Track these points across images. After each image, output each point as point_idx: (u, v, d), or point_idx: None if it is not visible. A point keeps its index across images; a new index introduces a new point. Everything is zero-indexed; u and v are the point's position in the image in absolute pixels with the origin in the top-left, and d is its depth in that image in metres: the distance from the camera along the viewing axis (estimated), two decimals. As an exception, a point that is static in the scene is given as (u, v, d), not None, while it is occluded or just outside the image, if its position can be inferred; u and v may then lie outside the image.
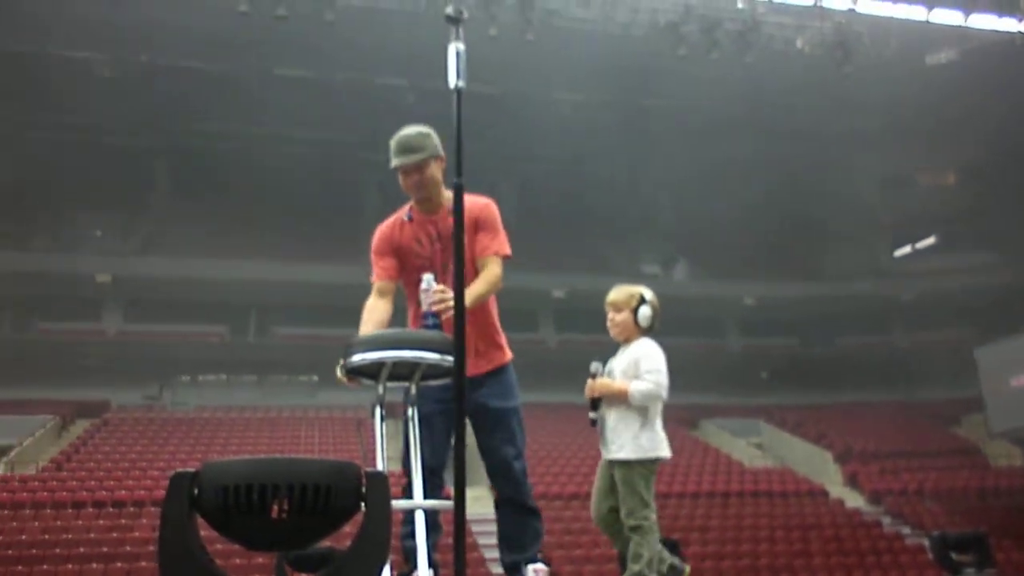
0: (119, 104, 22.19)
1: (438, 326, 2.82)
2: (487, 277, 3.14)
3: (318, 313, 22.05)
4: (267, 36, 18.85)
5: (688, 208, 26.96)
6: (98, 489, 15.01)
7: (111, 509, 14.19)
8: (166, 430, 19.50)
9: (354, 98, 21.88)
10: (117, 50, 21.17)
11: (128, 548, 12.38)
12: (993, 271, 25.00)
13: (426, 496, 3.04)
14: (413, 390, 2.73)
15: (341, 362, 2.69)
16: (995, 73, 20.07)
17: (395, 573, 3.00)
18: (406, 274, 3.24)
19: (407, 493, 2.82)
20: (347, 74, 21.92)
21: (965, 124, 22.95)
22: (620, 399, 3.58)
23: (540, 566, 3.10)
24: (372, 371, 2.68)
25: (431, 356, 2.59)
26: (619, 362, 3.69)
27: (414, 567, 3.03)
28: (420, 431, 3.06)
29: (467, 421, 2.79)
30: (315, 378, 22.93)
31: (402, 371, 2.67)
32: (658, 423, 3.65)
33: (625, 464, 3.54)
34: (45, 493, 14.67)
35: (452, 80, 2.41)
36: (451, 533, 2.44)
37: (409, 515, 3.03)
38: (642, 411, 3.59)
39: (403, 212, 3.28)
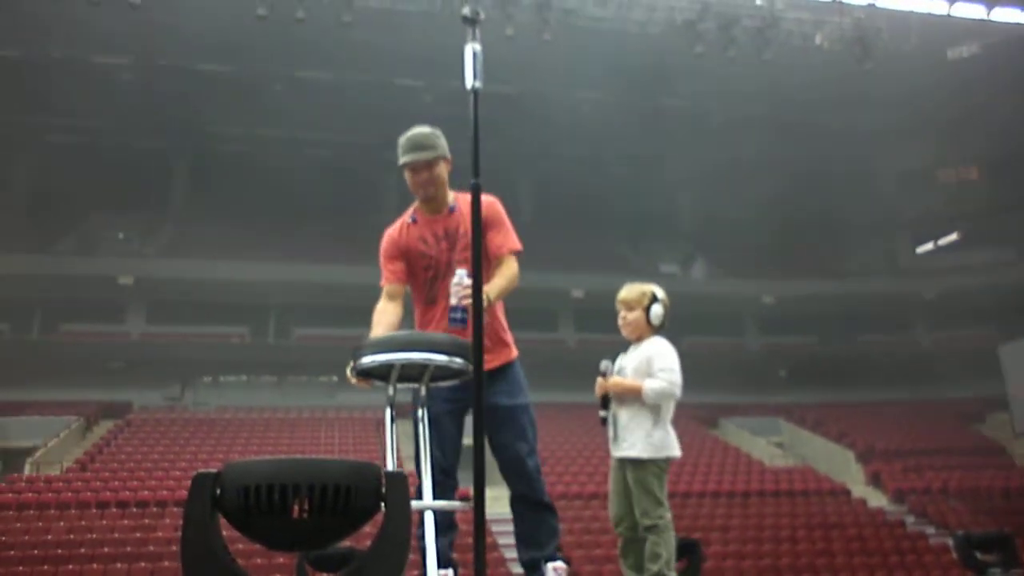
0: (140, 108, 22.44)
1: (465, 320, 2.86)
2: (507, 273, 3.18)
3: (337, 314, 22.14)
4: (286, 39, 18.98)
5: (706, 206, 26.84)
6: (122, 489, 15.17)
7: (135, 509, 14.33)
8: (188, 430, 19.67)
9: (372, 99, 21.98)
10: (138, 55, 21.42)
11: (151, 548, 12.50)
12: (1017, 268, 24.68)
13: (440, 497, 3.05)
14: (423, 391, 2.77)
15: (351, 364, 2.72)
16: (1018, 66, 19.82)
17: (415, 574, 3.01)
18: (413, 274, 3.27)
19: (419, 494, 2.83)
20: (365, 76, 22.02)
21: (988, 118, 22.66)
22: (633, 397, 3.57)
23: (560, 564, 3.10)
24: (382, 373, 2.71)
25: (440, 358, 2.62)
26: (631, 360, 3.67)
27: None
28: (430, 432, 3.07)
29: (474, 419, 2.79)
30: (335, 379, 23.03)
31: (412, 373, 2.70)
32: (669, 422, 3.63)
33: (638, 463, 3.53)
34: (70, 493, 14.85)
35: (469, 80, 2.42)
36: (470, 533, 2.45)
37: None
38: (655, 409, 3.58)
39: (407, 215, 3.30)
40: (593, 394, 3.73)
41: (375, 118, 21.59)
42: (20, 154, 24.47)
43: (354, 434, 19.48)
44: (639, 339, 3.70)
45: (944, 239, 28.22)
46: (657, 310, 3.66)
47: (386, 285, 3.28)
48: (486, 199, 3.25)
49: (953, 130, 24.11)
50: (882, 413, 23.62)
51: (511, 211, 3.37)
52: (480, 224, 2.53)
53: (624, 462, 3.59)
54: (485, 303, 2.91)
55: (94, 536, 12.96)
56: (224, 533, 1.93)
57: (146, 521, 13.71)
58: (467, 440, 3.08)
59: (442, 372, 2.69)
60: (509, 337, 3.35)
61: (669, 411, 3.64)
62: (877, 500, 18.24)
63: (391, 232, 3.30)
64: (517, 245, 3.27)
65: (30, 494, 14.80)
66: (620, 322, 3.73)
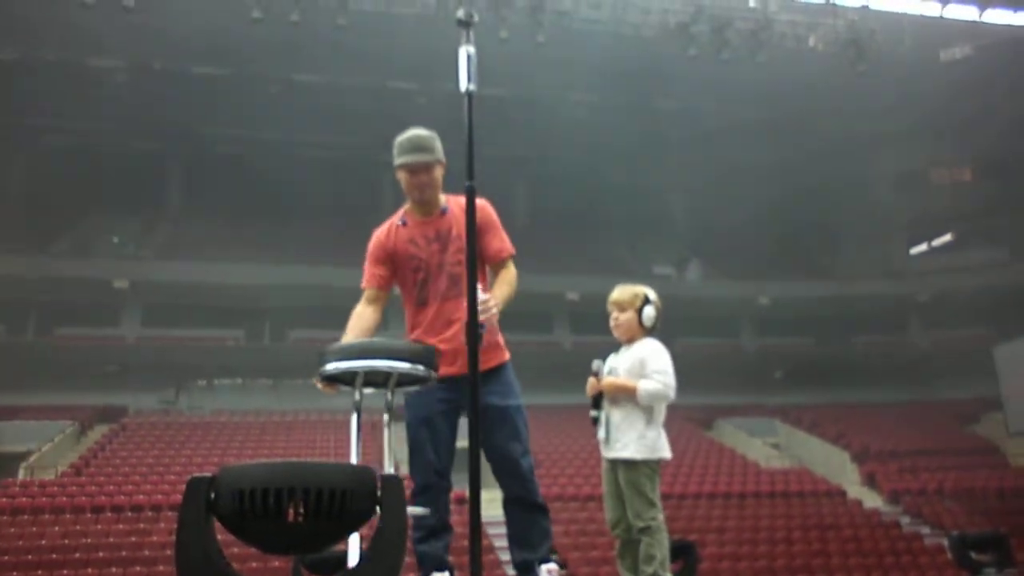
0: (135, 111, 22.41)
1: (481, 336, 2.89)
2: (509, 280, 3.20)
3: (333, 317, 21.87)
4: (280, 42, 18.97)
5: (701, 208, 26.89)
6: (117, 494, 15.13)
7: (129, 513, 14.29)
8: (183, 434, 19.63)
9: (366, 102, 21.97)
10: (132, 58, 21.38)
11: (147, 552, 12.48)
12: (1011, 268, 24.75)
13: (435, 499, 3.05)
14: (389, 396, 2.80)
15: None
16: (1011, 68, 19.89)
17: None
18: (401, 276, 3.26)
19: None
20: (359, 78, 22.02)
21: (981, 120, 22.74)
22: (627, 397, 3.57)
23: (553, 566, 3.10)
24: (348, 379, 2.75)
25: (402, 365, 2.66)
26: (623, 361, 3.68)
27: (427, 572, 3.03)
28: (423, 433, 3.07)
29: (470, 421, 2.81)
30: (330, 382, 22.98)
31: (377, 379, 2.75)
32: (661, 424, 3.64)
33: (630, 464, 3.53)
34: (65, 498, 14.81)
35: (464, 83, 2.42)
36: (466, 535, 2.45)
37: (420, 520, 3.03)
38: (647, 410, 3.58)
39: (396, 217, 3.29)
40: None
41: (370, 120, 21.58)
42: (15, 156, 24.39)
43: (356, 436, 19.43)
44: (630, 341, 3.70)
45: (938, 240, 28.30)
46: (649, 312, 3.66)
47: (367, 288, 3.27)
48: (478, 202, 3.25)
49: (947, 131, 24.18)
50: (878, 414, 23.68)
51: (506, 214, 3.37)
52: (475, 227, 2.54)
53: (616, 463, 3.59)
54: (495, 312, 2.95)
55: (89, 541, 12.92)
56: (219, 537, 1.92)
57: (141, 525, 13.67)
58: (460, 442, 3.09)
59: (407, 378, 2.74)
60: (501, 339, 3.35)
61: (662, 412, 3.64)
62: (873, 501, 18.27)
63: (379, 234, 3.29)
64: (512, 248, 3.29)
65: (24, 499, 14.75)
66: (612, 323, 3.73)
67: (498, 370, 3.21)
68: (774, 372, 26.48)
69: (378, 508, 1.95)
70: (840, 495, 18.14)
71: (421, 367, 2.69)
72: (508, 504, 3.14)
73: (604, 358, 3.76)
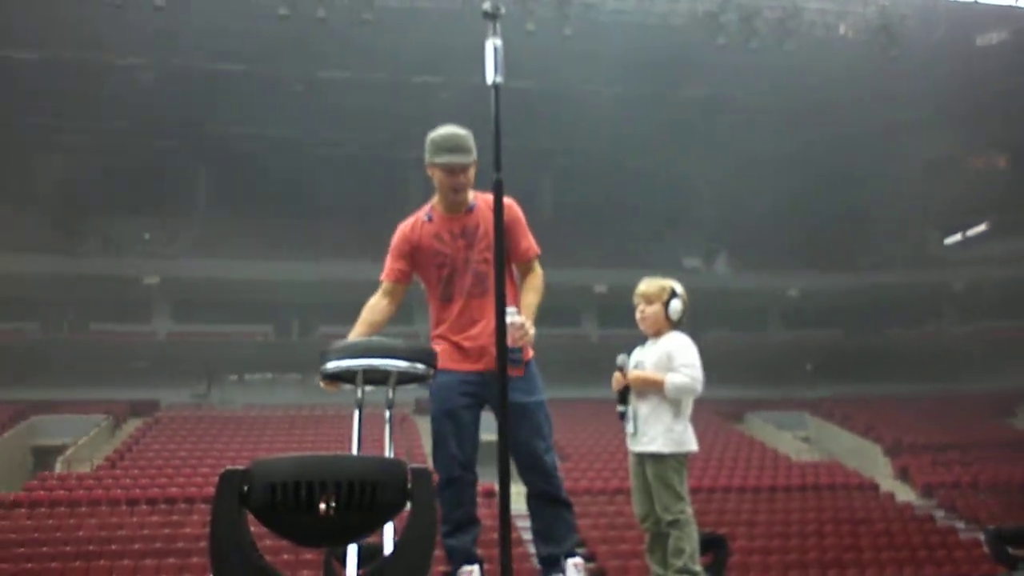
0: (163, 109, 22.67)
1: (519, 360, 2.97)
2: (537, 286, 3.23)
3: (360, 312, 22.25)
4: (306, 38, 19.07)
5: (729, 200, 26.64)
6: (150, 486, 15.37)
7: (163, 506, 14.51)
8: (215, 428, 19.89)
9: (393, 97, 22.03)
10: (160, 56, 21.61)
11: (180, 544, 12.65)
12: (1048, 257, 24.25)
13: (461, 491, 3.06)
14: (391, 394, 2.84)
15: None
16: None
17: (440, 570, 3.02)
18: (425, 272, 3.25)
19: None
20: (385, 74, 22.08)
21: (1017, 105, 22.26)
22: (654, 391, 3.56)
23: (579, 560, 3.10)
24: (349, 377, 2.80)
25: (400, 364, 2.72)
26: (649, 355, 3.65)
27: (458, 566, 3.04)
28: (447, 426, 3.08)
29: (493, 416, 2.82)
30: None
31: (377, 377, 2.79)
32: (688, 417, 3.61)
33: (658, 458, 3.51)
34: (100, 491, 15.07)
35: (490, 76, 2.41)
36: (495, 528, 2.45)
37: (447, 514, 3.04)
38: (675, 404, 3.56)
39: (423, 212, 3.29)
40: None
41: (396, 116, 21.66)
42: (45, 157, 24.82)
43: (379, 431, 19.54)
44: (657, 334, 3.68)
45: (973, 230, 27.79)
46: (676, 305, 3.64)
47: (385, 281, 3.29)
48: (506, 201, 3.25)
49: (981, 118, 23.70)
50: (910, 406, 23.35)
51: (532, 207, 3.35)
52: (502, 218, 2.54)
53: (643, 457, 3.58)
54: (529, 327, 2.99)
55: (124, 533, 13.14)
56: (252, 529, 1.94)
57: (175, 518, 13.88)
58: (484, 436, 3.09)
59: (406, 376, 2.78)
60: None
61: (689, 406, 3.62)
62: (906, 495, 18.03)
63: (404, 228, 3.28)
64: (539, 249, 3.31)
65: (62, 491, 15.04)
66: (638, 316, 3.71)
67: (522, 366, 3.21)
68: (804, 365, 26.22)
69: (408, 501, 1.96)
70: (872, 489, 17.92)
71: (420, 365, 2.74)
72: (532, 500, 3.14)
73: (629, 352, 3.74)
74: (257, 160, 24.51)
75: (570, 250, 23.13)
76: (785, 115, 22.93)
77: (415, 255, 3.23)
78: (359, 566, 2.90)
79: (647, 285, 3.70)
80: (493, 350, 2.55)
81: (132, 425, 20.74)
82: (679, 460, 3.54)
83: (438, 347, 3.14)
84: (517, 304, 3.11)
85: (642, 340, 3.76)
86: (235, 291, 23.42)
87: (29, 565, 11.80)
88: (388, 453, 2.87)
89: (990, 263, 25.01)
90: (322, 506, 1.85)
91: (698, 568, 3.45)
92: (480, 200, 3.19)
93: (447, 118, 3.27)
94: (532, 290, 3.21)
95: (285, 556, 11.27)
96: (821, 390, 24.84)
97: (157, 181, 24.58)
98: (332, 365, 2.76)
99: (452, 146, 3.12)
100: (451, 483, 3.07)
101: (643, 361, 3.67)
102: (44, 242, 22.61)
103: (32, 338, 23.22)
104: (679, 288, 3.69)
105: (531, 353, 3.25)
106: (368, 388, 2.83)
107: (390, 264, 3.28)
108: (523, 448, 3.12)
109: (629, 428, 3.65)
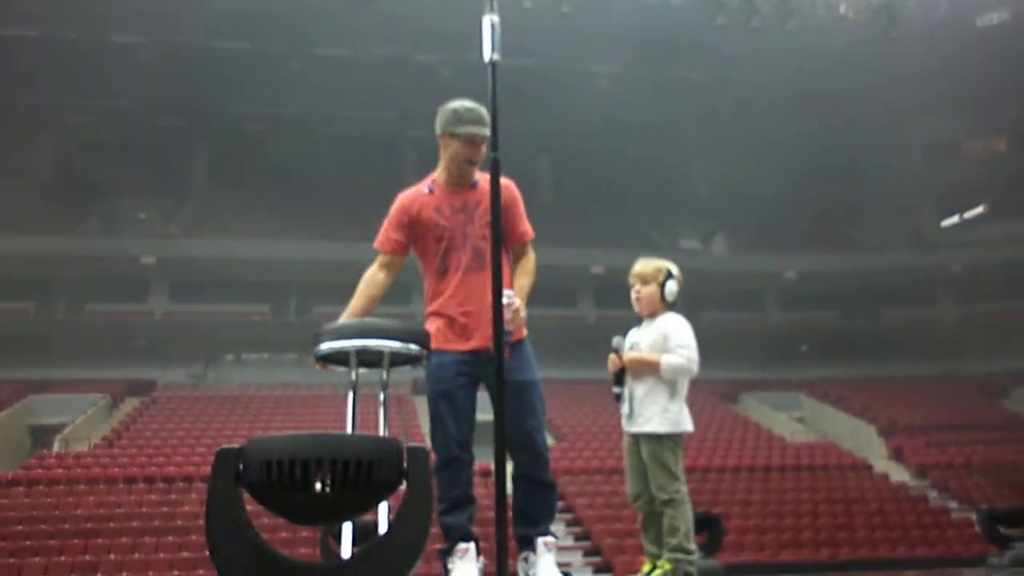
0: (160, 87, 22.51)
1: (508, 343, 2.95)
2: (529, 269, 3.25)
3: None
4: (305, 15, 18.92)
5: (727, 181, 26.56)
6: (148, 465, 15.43)
7: (161, 484, 14.57)
8: (212, 407, 19.93)
9: (391, 75, 21.89)
10: (157, 34, 21.43)
11: (179, 522, 12.73)
12: (1045, 240, 24.26)
13: (458, 470, 3.06)
14: (385, 375, 2.86)
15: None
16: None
17: (436, 547, 3.04)
18: (422, 245, 3.25)
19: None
20: (384, 51, 21.92)
21: (1017, 87, 22.18)
22: (650, 371, 3.56)
23: (549, 539, 3.13)
24: (342, 359, 2.79)
25: (394, 344, 2.72)
26: (645, 335, 3.66)
27: (454, 543, 3.06)
28: (443, 406, 3.08)
29: (488, 395, 2.83)
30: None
31: (371, 358, 2.79)
32: (684, 397, 3.63)
33: (654, 438, 3.53)
34: (98, 469, 15.13)
35: (487, 53, 2.39)
36: (490, 507, 2.46)
37: (444, 493, 3.06)
38: (670, 384, 3.58)
39: (424, 184, 3.28)
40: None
41: (395, 94, 21.55)
42: (41, 136, 24.66)
43: (375, 410, 19.60)
44: (652, 315, 3.68)
45: (971, 212, 27.77)
46: (672, 286, 3.64)
47: (382, 253, 3.28)
48: (505, 182, 3.24)
49: (981, 100, 23.62)
50: (905, 388, 23.45)
51: (529, 187, 3.35)
52: (499, 196, 2.54)
53: (639, 437, 3.59)
54: (523, 315, 3.03)
55: (122, 511, 13.21)
56: (248, 507, 1.95)
57: (172, 496, 13.94)
58: (480, 416, 3.10)
59: (400, 357, 2.78)
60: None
61: (684, 386, 3.64)
62: (899, 475, 18.16)
63: (403, 199, 3.27)
64: (533, 233, 3.33)
65: (60, 470, 15.10)
66: (633, 296, 3.71)
67: (517, 345, 3.21)
68: (800, 346, 26.29)
69: (404, 479, 1.96)
70: (866, 469, 18.04)
71: (413, 346, 2.74)
72: (518, 479, 3.15)
73: (625, 333, 3.75)
74: (255, 139, 24.40)
75: (567, 231, 23.08)
76: (784, 96, 22.83)
77: (414, 226, 3.23)
78: (354, 544, 2.90)
79: (643, 265, 3.71)
80: (488, 325, 2.55)
81: (129, 404, 20.78)
82: (675, 440, 3.56)
83: (433, 324, 3.14)
84: (510, 285, 3.12)
85: (638, 321, 3.77)
86: (232, 271, 23.38)
87: (27, 543, 11.87)
88: (383, 433, 2.88)
89: (988, 245, 25.03)
90: (317, 484, 1.86)
91: (693, 547, 3.48)
92: (483, 178, 3.19)
93: (447, 96, 3.26)
94: (525, 273, 3.23)
95: (282, 534, 11.34)
96: (817, 371, 24.93)
97: (155, 160, 24.43)
98: (326, 346, 2.77)
99: (475, 118, 3.12)
100: (449, 463, 3.08)
101: (639, 342, 3.67)
102: (40, 222, 22.51)
103: (29, 317, 23.19)
104: (675, 269, 3.69)
105: (524, 332, 3.25)
106: (362, 370, 2.82)
107: (387, 233, 3.27)
108: (516, 427, 3.13)
109: (625, 409, 3.66)
